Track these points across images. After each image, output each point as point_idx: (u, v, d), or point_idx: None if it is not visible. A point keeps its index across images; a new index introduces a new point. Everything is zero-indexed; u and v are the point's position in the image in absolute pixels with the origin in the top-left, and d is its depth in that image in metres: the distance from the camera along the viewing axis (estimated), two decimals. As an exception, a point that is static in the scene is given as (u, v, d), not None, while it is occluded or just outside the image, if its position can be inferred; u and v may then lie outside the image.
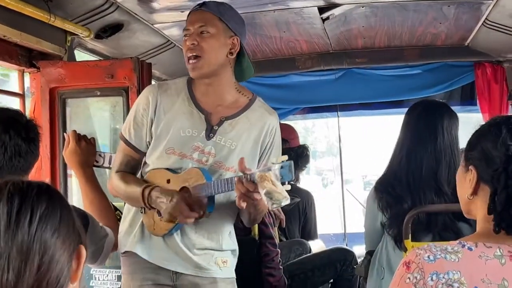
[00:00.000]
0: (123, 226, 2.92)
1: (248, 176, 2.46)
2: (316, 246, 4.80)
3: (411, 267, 1.67)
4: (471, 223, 3.08)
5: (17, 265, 1.29)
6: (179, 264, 2.78)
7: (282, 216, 4.38)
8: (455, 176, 3.13)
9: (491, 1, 3.75)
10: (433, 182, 3.14)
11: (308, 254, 4.53)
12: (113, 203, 3.36)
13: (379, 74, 5.30)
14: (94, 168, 3.34)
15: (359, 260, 4.31)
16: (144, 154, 2.85)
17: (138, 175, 2.91)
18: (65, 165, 3.40)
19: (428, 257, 1.66)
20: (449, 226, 3.10)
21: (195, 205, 2.64)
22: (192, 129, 2.75)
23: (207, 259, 2.80)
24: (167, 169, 2.76)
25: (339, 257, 4.38)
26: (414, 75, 5.24)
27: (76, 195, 3.50)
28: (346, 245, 5.68)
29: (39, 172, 3.46)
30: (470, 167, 1.77)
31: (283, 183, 2.41)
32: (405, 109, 6.28)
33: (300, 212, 4.91)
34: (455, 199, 3.08)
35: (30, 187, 1.35)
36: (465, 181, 1.79)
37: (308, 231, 4.98)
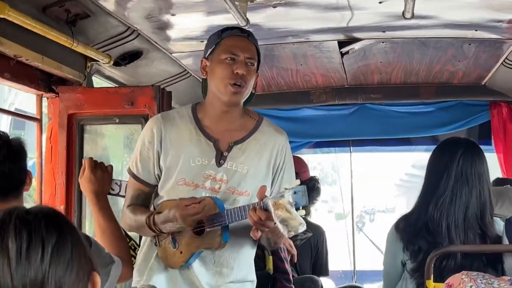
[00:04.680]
0: (138, 258, 2.88)
1: (261, 204, 2.42)
2: (327, 284, 4.71)
3: None
4: (498, 270, 3.01)
5: None
6: None
7: (294, 251, 4.31)
8: (491, 219, 3.10)
9: (513, 40, 3.75)
10: (477, 225, 3.05)
11: (320, 291, 4.45)
12: (128, 233, 3.30)
13: (393, 111, 5.29)
14: (109, 197, 3.29)
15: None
16: (154, 186, 2.81)
17: (151, 207, 2.86)
18: (80, 193, 3.34)
19: (471, 287, 1.60)
20: (481, 271, 3.01)
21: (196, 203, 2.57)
22: (202, 157, 2.72)
23: None
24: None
25: (352, 295, 4.30)
26: (428, 113, 5.23)
27: (90, 223, 3.43)
28: (355, 282, 5.60)
29: (54, 199, 3.40)
30: None
31: (297, 209, 2.35)
32: (414, 147, 6.37)
33: (312, 247, 4.83)
34: (498, 242, 3.06)
35: (37, 218, 1.28)
36: None
37: (319, 267, 4.89)
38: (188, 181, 2.70)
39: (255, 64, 2.74)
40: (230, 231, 2.64)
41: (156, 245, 2.78)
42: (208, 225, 2.60)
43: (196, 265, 2.71)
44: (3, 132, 2.52)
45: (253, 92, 2.81)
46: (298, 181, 2.40)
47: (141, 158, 2.80)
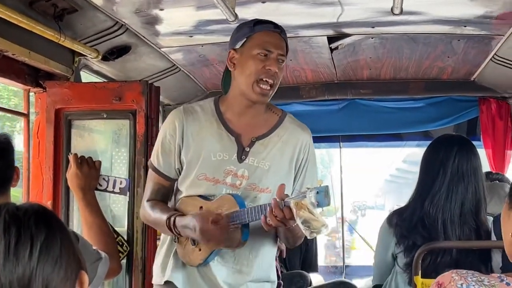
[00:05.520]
0: (159, 257, 2.83)
1: (283, 203, 2.35)
2: (316, 279, 4.72)
3: None
4: (488, 266, 3.04)
5: None
6: None
7: (283, 247, 4.31)
8: (485, 214, 3.12)
9: (502, 36, 3.75)
10: (472, 221, 3.08)
11: (309, 287, 4.45)
12: (115, 229, 3.30)
13: (383, 106, 5.29)
14: (97, 192, 3.28)
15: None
16: (174, 181, 2.77)
17: (172, 202, 2.83)
18: (67, 188, 3.32)
19: (462, 285, 1.60)
20: (474, 266, 3.03)
21: (222, 222, 2.52)
22: (223, 152, 2.66)
23: None
24: (200, 196, 2.67)
25: (341, 291, 4.31)
26: (417, 109, 5.23)
27: (77, 218, 3.42)
28: (344, 278, 5.61)
29: (41, 195, 3.38)
30: None
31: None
32: (405, 142, 6.38)
33: (301, 243, 4.82)
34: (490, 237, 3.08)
35: (26, 214, 1.27)
36: (509, 219, 1.71)
37: (309, 262, 4.90)
38: (209, 176, 2.65)
39: (285, 62, 2.68)
40: (250, 229, 2.57)
41: (175, 242, 2.74)
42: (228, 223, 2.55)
43: (215, 262, 2.67)
44: None
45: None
46: (321, 181, 2.34)
47: (162, 151, 2.75)
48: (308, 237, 2.32)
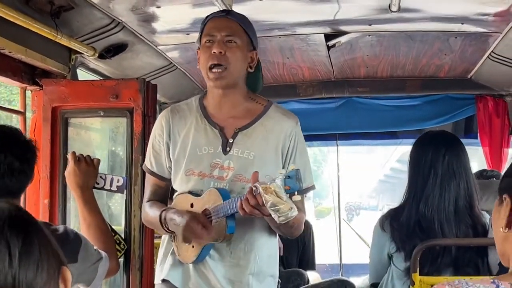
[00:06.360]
0: (159, 256, 2.84)
1: (253, 190, 2.33)
2: (313, 277, 4.71)
3: None
4: (484, 261, 3.04)
5: None
6: None
7: (280, 244, 4.29)
8: (478, 209, 3.12)
9: (499, 33, 3.75)
10: (468, 217, 3.07)
11: (307, 285, 4.44)
12: (112, 227, 3.29)
13: (380, 104, 5.29)
14: (95, 191, 3.26)
15: (359, 292, 4.25)
16: (169, 180, 2.79)
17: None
18: (64, 186, 3.31)
19: None
20: (472, 261, 3.04)
21: (209, 225, 2.53)
22: (208, 146, 2.67)
23: None
24: (190, 192, 2.67)
25: (339, 289, 4.30)
26: (414, 106, 5.24)
27: (74, 217, 3.41)
28: (342, 276, 5.61)
29: (38, 193, 3.37)
30: (504, 195, 1.62)
31: (292, 194, 2.26)
32: (401, 140, 6.38)
33: (298, 241, 4.82)
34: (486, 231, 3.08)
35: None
36: (499, 214, 1.67)
37: (306, 261, 4.89)
38: (195, 171, 2.66)
39: (239, 41, 2.64)
40: (242, 221, 2.56)
41: (172, 241, 2.75)
42: (214, 217, 2.55)
43: (212, 259, 2.66)
44: (20, 132, 2.53)
45: (250, 70, 2.71)
46: (293, 166, 2.31)
47: (153, 152, 2.79)
48: (277, 222, 2.28)
